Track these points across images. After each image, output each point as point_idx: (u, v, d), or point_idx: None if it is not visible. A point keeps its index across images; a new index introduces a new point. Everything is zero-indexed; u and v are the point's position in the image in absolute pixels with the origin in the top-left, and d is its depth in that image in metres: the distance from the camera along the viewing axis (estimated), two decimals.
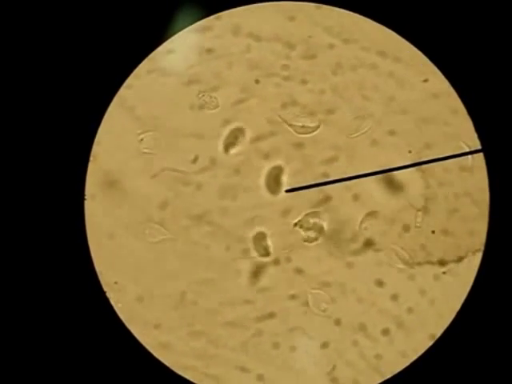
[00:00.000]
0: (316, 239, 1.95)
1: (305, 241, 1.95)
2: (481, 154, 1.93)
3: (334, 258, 1.97)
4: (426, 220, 1.96)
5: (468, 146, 1.94)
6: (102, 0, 1.90)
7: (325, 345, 1.98)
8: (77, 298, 1.88)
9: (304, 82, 1.98)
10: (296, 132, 1.97)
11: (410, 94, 1.96)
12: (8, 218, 1.87)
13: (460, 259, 1.95)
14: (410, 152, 1.95)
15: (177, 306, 2.00)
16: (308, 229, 1.95)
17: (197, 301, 2.00)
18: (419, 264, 1.95)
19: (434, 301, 1.96)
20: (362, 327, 1.97)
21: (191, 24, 1.94)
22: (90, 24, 1.91)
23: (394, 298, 1.96)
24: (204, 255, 2.00)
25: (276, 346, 1.99)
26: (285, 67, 1.98)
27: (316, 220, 1.95)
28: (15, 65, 1.89)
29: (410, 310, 1.96)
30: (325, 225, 1.94)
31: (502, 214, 1.86)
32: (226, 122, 1.98)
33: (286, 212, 1.98)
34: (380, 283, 1.97)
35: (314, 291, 1.97)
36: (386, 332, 1.97)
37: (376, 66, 1.97)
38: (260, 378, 2.00)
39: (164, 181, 1.99)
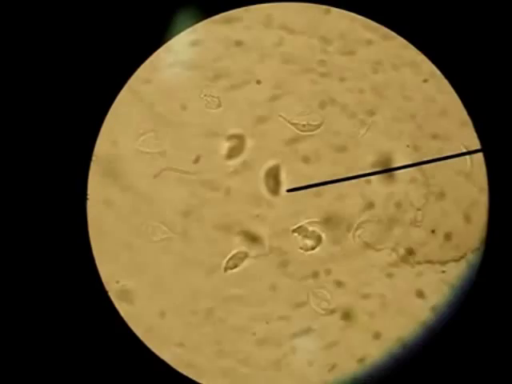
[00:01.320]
0: (313, 248, 1.88)
1: (301, 248, 1.88)
2: (480, 154, 1.90)
3: (375, 269, 1.89)
4: (427, 219, 1.92)
5: (467, 146, 1.92)
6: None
7: (362, 360, 1.89)
8: (79, 299, 1.84)
9: (342, 79, 1.85)
10: (299, 130, 1.86)
11: (450, 96, 1.89)
12: (9, 218, 1.82)
13: (460, 258, 1.92)
14: (407, 146, 1.89)
15: (203, 323, 1.86)
16: (306, 237, 1.88)
17: (226, 318, 1.86)
18: (419, 263, 1.91)
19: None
20: (401, 340, 1.90)
21: (194, 22, 1.84)
22: (90, 21, 1.82)
23: (434, 309, 1.91)
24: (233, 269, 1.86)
25: (311, 363, 1.88)
26: (322, 63, 1.85)
27: (315, 229, 1.87)
28: (14, 64, 1.83)
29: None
30: (323, 235, 1.88)
31: (501, 213, 1.86)
32: (261, 119, 1.84)
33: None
34: (420, 294, 1.90)
35: (316, 290, 1.88)
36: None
37: (417, 65, 1.88)
38: None
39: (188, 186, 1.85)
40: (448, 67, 1.86)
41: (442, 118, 1.90)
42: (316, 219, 1.88)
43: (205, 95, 1.85)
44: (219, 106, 1.85)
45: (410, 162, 1.89)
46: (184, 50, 1.84)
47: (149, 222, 1.87)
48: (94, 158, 1.86)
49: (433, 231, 1.91)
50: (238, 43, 1.84)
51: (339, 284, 1.89)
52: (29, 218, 1.83)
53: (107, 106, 1.86)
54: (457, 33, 1.84)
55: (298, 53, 1.85)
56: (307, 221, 1.88)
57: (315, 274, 1.88)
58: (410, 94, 1.88)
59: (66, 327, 1.83)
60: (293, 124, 1.87)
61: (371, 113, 1.87)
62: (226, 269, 1.88)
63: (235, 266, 1.88)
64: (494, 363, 1.84)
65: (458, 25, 1.84)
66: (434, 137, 1.90)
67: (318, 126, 1.87)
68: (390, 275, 1.90)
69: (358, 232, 1.88)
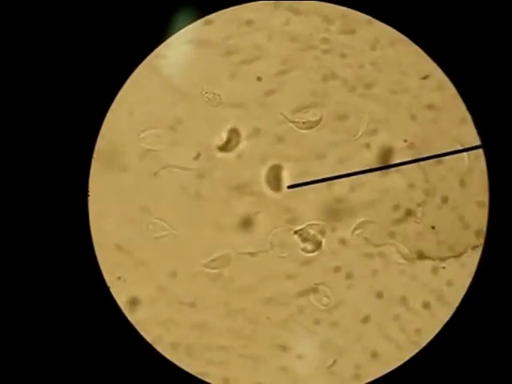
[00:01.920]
0: (312, 252, 1.94)
1: (302, 250, 1.94)
2: (480, 150, 1.95)
3: (378, 228, 1.96)
4: (427, 215, 1.97)
5: (468, 142, 1.98)
6: None
7: (366, 319, 1.95)
8: (80, 294, 1.85)
9: (343, 55, 1.99)
10: (299, 128, 1.96)
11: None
12: (10, 215, 1.83)
13: (459, 255, 1.97)
14: (405, 141, 1.96)
15: (213, 284, 1.92)
16: (306, 239, 1.93)
17: (234, 277, 1.93)
18: (419, 259, 1.96)
19: (471, 273, 1.97)
20: (403, 300, 1.96)
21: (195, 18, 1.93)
22: (89, 21, 1.88)
23: (435, 270, 1.97)
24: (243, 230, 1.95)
25: (317, 322, 1.94)
26: (324, 40, 1.99)
27: (316, 233, 1.94)
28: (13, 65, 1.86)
29: (449, 283, 1.97)
30: (323, 241, 1.94)
31: (501, 210, 1.89)
32: (269, 92, 1.96)
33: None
34: (421, 255, 1.97)
35: (316, 286, 1.95)
36: (426, 305, 1.96)
37: (412, 43, 2.01)
38: (300, 356, 1.94)
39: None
40: (448, 64, 1.92)
41: (437, 91, 2.02)
42: (318, 222, 1.94)
43: (206, 92, 1.93)
44: (220, 103, 1.94)
45: (410, 158, 1.95)
46: (198, 29, 1.98)
47: (150, 217, 1.92)
48: (95, 155, 1.90)
49: (433, 227, 1.96)
50: (249, 22, 1.99)
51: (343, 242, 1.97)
52: (30, 214, 1.84)
53: (108, 104, 1.90)
54: (457, 29, 1.91)
55: (302, 31, 1.99)
56: (309, 223, 1.94)
57: (322, 232, 1.96)
58: (405, 69, 2.01)
59: (68, 322, 1.84)
60: (293, 122, 1.96)
61: (370, 86, 2.00)
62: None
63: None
64: (494, 363, 1.85)
65: (457, 21, 1.91)
66: (430, 107, 2.01)
67: (318, 122, 1.96)
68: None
69: (358, 231, 1.95)
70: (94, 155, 1.91)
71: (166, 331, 1.92)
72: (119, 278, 1.91)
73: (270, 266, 1.94)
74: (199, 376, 1.91)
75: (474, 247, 1.95)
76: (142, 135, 1.92)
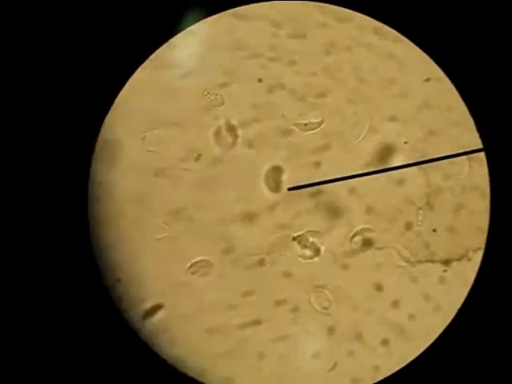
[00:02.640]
0: (311, 258, 1.86)
1: (299, 256, 1.86)
2: (482, 154, 1.87)
3: (327, 260, 1.83)
4: (428, 218, 1.87)
5: (469, 145, 1.88)
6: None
7: (316, 355, 1.81)
8: (80, 295, 1.84)
9: (292, 63, 1.82)
10: (301, 130, 1.84)
11: (411, 77, 1.80)
12: (10, 217, 1.84)
13: (461, 258, 1.88)
14: (405, 143, 1.85)
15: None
16: (305, 246, 1.86)
17: (176, 304, 1.86)
18: (420, 262, 1.86)
19: (438, 306, 1.79)
20: (359, 336, 1.80)
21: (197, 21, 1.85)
22: (89, 23, 1.85)
23: (395, 304, 1.79)
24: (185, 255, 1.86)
25: (261, 355, 1.82)
26: (272, 47, 1.82)
27: (315, 239, 1.85)
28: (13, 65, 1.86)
29: (411, 317, 1.79)
30: (322, 248, 1.85)
31: (503, 212, 1.81)
32: (209, 109, 1.84)
33: (277, 208, 1.84)
34: (379, 287, 1.80)
35: (315, 292, 1.86)
36: (385, 342, 1.79)
37: (373, 46, 1.81)
38: None
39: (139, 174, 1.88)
40: (450, 67, 1.83)
41: (400, 98, 1.82)
42: (317, 229, 1.87)
43: (208, 93, 1.87)
44: (222, 103, 1.86)
45: (411, 162, 1.87)
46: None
47: (152, 219, 1.89)
48: (94, 155, 1.90)
49: (434, 230, 1.87)
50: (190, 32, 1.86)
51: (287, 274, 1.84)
52: (30, 214, 1.85)
53: (108, 104, 1.89)
54: (459, 32, 1.82)
55: (248, 38, 1.84)
56: (308, 229, 1.87)
57: (261, 262, 1.85)
58: (364, 75, 1.82)
59: (66, 323, 1.84)
60: (294, 124, 1.86)
61: (323, 95, 1.83)
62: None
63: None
64: (495, 365, 1.79)
65: (460, 24, 1.82)
66: (392, 119, 1.83)
67: (320, 124, 1.85)
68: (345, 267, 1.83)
69: (356, 238, 1.86)
70: (94, 155, 1.90)
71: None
72: (118, 280, 1.90)
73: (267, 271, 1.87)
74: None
75: (476, 250, 1.87)
76: (143, 135, 1.90)
